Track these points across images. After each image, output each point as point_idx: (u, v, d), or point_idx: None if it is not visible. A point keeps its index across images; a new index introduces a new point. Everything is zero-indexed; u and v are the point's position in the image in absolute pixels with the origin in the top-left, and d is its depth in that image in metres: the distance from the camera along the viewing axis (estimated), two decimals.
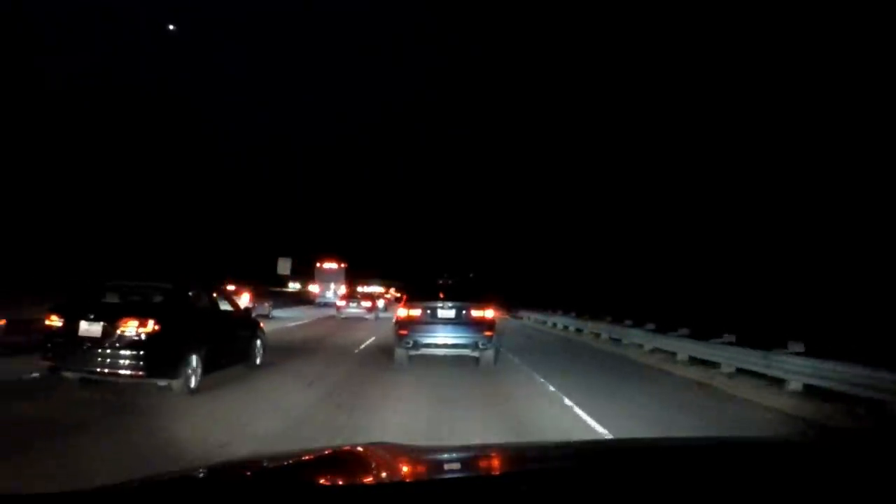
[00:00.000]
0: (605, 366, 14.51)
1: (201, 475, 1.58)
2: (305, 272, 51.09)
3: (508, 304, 42.31)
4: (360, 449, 1.87)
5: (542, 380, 10.91)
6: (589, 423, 7.46)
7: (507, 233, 60.33)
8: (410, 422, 7.17)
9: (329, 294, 41.18)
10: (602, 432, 6.96)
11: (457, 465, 1.91)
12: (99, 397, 7.53)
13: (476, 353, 11.60)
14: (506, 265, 56.96)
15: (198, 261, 37.31)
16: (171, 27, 43.35)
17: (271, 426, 6.63)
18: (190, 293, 8.96)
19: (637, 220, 39.22)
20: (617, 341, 19.74)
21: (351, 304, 30.00)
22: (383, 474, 1.62)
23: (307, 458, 1.84)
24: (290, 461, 1.80)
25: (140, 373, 7.42)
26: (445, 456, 2.09)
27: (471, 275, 15.60)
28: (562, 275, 44.75)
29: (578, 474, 1.60)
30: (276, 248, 48.67)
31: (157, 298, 8.36)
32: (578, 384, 10.57)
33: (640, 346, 17.51)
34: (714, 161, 33.32)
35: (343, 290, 37.25)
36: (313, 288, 41.87)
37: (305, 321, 25.02)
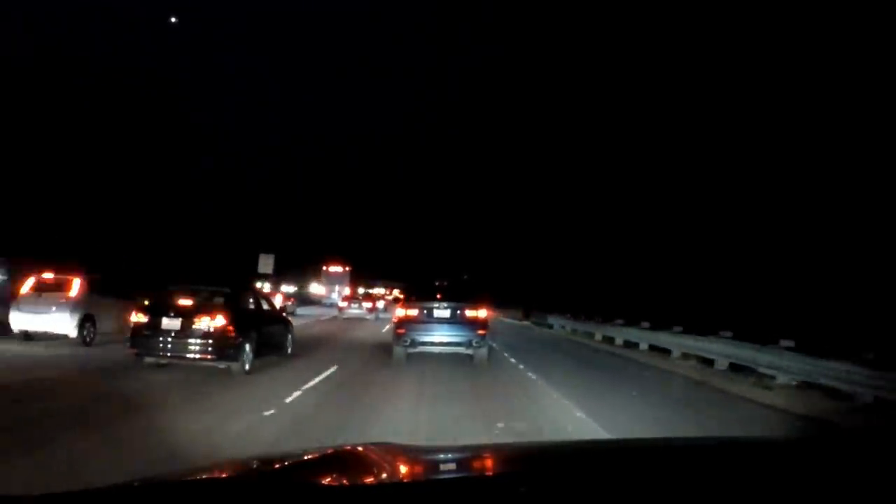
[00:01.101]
0: None
1: (202, 475, 1.62)
2: (289, 272, 51.42)
3: (526, 306, 39.45)
4: (360, 449, 1.87)
5: None
6: None
7: (517, 232, 60.81)
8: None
9: (334, 295, 43.65)
10: None
11: (457, 465, 1.91)
12: (184, 377, 9.65)
13: (470, 351, 12.27)
14: (522, 264, 56.99)
15: (187, 258, 38.56)
16: (172, 19, 44.96)
17: (315, 395, 8.88)
18: (243, 295, 11.24)
19: (650, 219, 38.56)
20: (736, 371, 13.20)
21: (352, 305, 31.95)
22: (383, 474, 1.62)
23: (307, 458, 1.86)
24: (291, 461, 1.82)
25: (209, 357, 9.68)
26: (445, 456, 2.11)
27: (465, 276, 16.93)
28: (582, 274, 42.56)
29: (578, 474, 1.60)
30: (270, 246, 48.64)
31: (218, 300, 10.61)
32: None
33: (790, 384, 11.28)
34: (731, 162, 32.07)
35: (347, 291, 39.50)
36: (286, 288, 42.67)
37: (309, 321, 26.98)
